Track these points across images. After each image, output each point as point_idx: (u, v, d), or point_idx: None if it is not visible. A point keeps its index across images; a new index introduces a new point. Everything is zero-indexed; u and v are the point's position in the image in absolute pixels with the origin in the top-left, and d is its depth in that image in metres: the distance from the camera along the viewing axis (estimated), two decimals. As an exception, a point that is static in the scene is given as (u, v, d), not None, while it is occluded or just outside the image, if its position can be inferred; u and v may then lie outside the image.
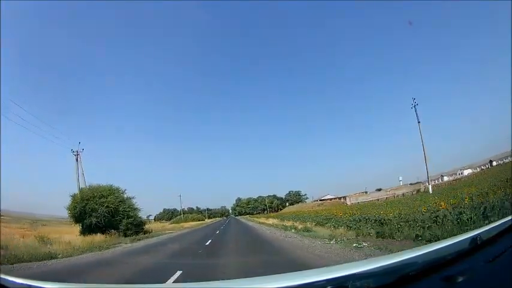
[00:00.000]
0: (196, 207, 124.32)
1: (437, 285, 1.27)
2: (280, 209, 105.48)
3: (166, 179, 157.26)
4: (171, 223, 64.01)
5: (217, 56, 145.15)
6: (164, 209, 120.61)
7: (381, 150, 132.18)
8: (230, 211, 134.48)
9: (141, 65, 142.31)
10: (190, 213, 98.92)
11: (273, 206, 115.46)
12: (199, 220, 77.38)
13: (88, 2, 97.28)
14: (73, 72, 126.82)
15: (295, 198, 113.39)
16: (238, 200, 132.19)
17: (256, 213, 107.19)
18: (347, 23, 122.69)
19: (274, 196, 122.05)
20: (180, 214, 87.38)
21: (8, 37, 71.15)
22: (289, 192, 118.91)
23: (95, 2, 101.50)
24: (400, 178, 45.11)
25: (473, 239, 1.49)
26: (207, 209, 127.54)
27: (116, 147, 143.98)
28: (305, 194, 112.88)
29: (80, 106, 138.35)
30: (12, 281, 1.45)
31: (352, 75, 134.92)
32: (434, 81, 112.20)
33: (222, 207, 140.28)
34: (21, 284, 1.46)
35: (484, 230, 1.65)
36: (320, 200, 73.36)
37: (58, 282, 1.69)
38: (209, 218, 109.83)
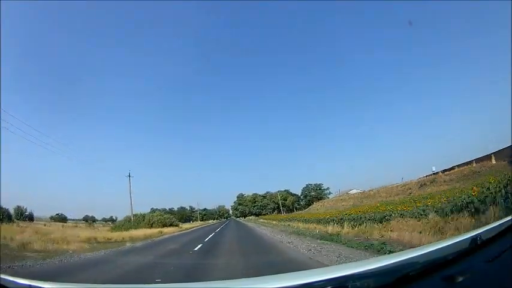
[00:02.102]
0: (190, 206, 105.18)
1: (438, 285, 1.28)
2: (297, 208, 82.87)
3: (163, 177, 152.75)
4: (112, 229, 32.96)
5: (219, 53, 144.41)
6: (151, 209, 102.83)
7: (397, 142, 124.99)
8: (230, 211, 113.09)
9: (141, 64, 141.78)
10: (153, 213, 60.61)
11: (286, 203, 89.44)
12: (165, 226, 39.34)
13: (88, 2, 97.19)
14: (70, 72, 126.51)
15: (316, 193, 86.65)
16: (241, 196, 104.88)
17: (265, 214, 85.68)
18: (360, 21, 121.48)
19: (288, 192, 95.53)
20: (133, 216, 40.41)
21: (7, 37, 70.89)
22: (307, 186, 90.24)
23: (95, 2, 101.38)
24: (434, 168, 40.98)
25: (473, 239, 1.49)
26: (204, 209, 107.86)
27: (108, 146, 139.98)
28: (327, 188, 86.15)
29: (75, 105, 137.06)
30: (12, 281, 1.45)
31: (358, 74, 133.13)
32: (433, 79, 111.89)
33: (219, 207, 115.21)
34: (21, 284, 1.45)
35: (484, 230, 1.65)
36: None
37: (58, 282, 1.69)
38: (202, 220, 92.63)
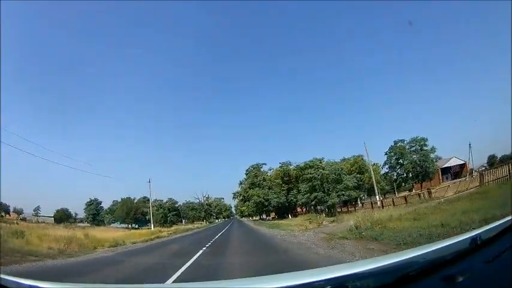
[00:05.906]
0: (170, 198, 57.75)
1: (437, 285, 1.28)
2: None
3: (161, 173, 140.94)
4: None
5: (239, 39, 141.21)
6: (122, 199, 53.46)
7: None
8: (233, 208, 74.87)
9: (141, 63, 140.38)
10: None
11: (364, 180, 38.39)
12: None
13: (88, 2, 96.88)
14: (70, 72, 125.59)
15: (419, 156, 37.46)
16: (255, 170, 47.70)
17: (331, 210, 33.41)
18: (365, 21, 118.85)
19: (360, 156, 40.15)
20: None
21: (6, 37, 70.66)
22: (396, 146, 39.83)
23: (95, 2, 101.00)
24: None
25: (473, 239, 1.49)
26: (190, 202, 59.37)
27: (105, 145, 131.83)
28: (433, 147, 38.00)
29: (70, 103, 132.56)
30: (12, 281, 1.46)
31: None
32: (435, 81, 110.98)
33: (215, 199, 66.84)
34: (21, 284, 1.46)
35: (484, 230, 1.66)
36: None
37: (58, 282, 1.70)
38: (173, 223, 52.58)
